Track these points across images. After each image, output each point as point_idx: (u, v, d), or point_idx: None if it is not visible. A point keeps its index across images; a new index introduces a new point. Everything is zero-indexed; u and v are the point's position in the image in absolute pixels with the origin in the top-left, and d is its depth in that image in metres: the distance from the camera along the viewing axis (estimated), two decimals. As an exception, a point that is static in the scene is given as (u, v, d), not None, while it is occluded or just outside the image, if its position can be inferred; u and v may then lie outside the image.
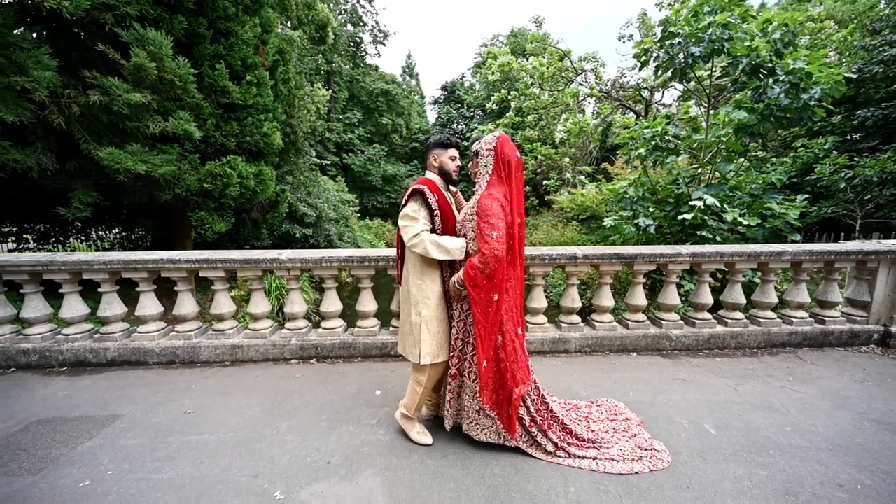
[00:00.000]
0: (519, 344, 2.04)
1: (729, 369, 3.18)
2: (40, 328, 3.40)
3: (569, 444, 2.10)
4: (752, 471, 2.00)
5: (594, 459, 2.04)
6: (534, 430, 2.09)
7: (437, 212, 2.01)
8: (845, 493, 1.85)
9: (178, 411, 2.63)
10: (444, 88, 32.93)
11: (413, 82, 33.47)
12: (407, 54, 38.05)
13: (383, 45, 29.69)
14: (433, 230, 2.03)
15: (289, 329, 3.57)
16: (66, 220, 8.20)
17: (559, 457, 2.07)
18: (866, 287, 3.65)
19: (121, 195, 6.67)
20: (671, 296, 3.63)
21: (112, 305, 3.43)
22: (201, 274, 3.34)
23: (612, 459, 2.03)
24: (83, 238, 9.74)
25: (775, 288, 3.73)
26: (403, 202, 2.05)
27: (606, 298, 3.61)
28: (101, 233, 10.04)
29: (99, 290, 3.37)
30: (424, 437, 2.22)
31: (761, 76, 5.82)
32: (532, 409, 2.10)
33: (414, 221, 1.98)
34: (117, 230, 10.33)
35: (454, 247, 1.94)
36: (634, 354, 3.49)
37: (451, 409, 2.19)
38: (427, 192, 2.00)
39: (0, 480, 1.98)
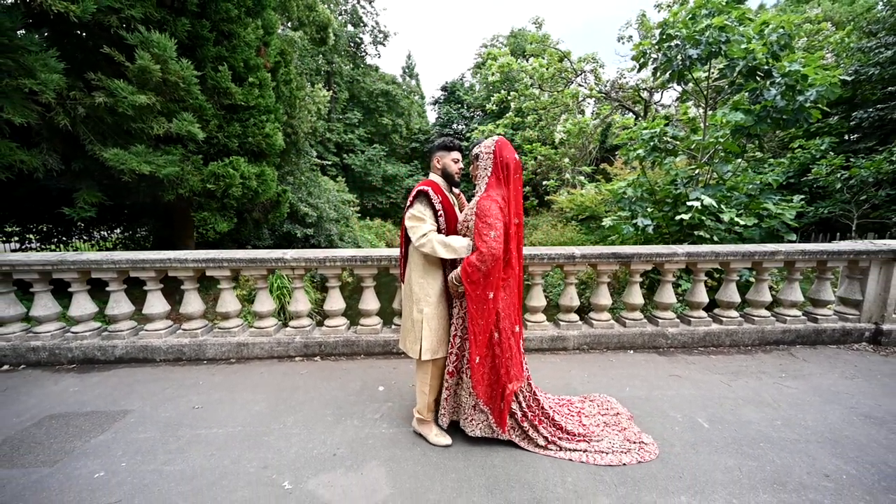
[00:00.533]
0: (515, 341, 2.11)
1: (723, 366, 3.25)
2: (50, 326, 3.47)
3: (559, 438, 2.18)
4: (742, 462, 2.08)
5: (584, 452, 2.12)
6: (525, 424, 2.17)
7: (441, 212, 2.09)
8: (831, 482, 1.93)
9: (186, 406, 2.70)
10: (444, 89, 33.03)
11: (413, 82, 33.57)
12: (407, 55, 38.19)
13: (383, 45, 29.78)
14: (438, 230, 2.11)
15: (293, 327, 3.64)
16: (70, 220, 8.27)
17: (550, 450, 2.15)
18: (858, 286, 3.72)
19: (125, 195, 6.74)
20: (667, 294, 3.71)
21: (120, 304, 3.50)
22: (208, 273, 3.42)
23: (602, 452, 2.12)
24: (86, 238, 9.81)
25: (770, 287, 3.81)
26: (409, 203, 2.12)
27: (604, 297, 3.69)
28: (103, 233, 10.10)
29: (107, 288, 3.44)
30: (443, 438, 2.26)
31: (758, 78, 5.90)
32: (524, 404, 2.18)
33: (421, 222, 2.05)
34: (119, 230, 10.40)
35: (461, 245, 2.02)
36: (631, 352, 3.57)
37: (448, 405, 2.25)
38: (431, 193, 2.07)
39: (17, 472, 2.06)
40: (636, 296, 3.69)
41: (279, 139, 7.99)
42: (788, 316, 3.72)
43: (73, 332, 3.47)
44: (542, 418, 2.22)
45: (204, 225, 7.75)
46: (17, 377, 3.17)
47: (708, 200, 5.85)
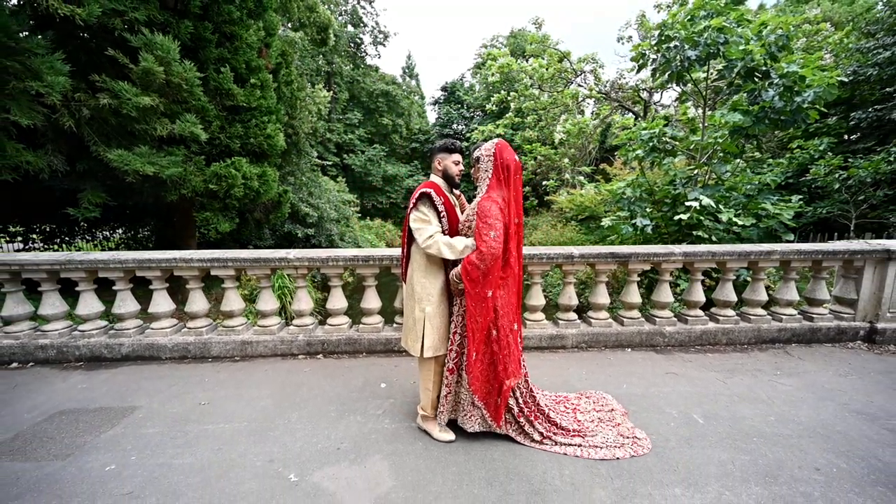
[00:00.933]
0: (513, 339, 2.16)
1: (719, 364, 3.31)
2: (57, 324, 3.54)
3: (554, 433, 2.24)
4: (735, 456, 2.13)
5: (579, 446, 2.19)
6: (521, 419, 2.23)
7: (444, 213, 2.15)
8: (821, 475, 1.98)
9: (192, 403, 2.76)
10: (444, 89, 33.08)
11: (413, 83, 33.65)
12: (407, 55, 38.21)
13: (383, 45, 29.85)
14: (441, 231, 2.16)
15: (296, 325, 3.70)
16: (73, 221, 8.33)
17: (545, 445, 2.21)
18: (853, 285, 3.78)
19: (128, 196, 6.80)
20: (665, 294, 3.76)
21: (126, 303, 3.56)
22: (212, 272, 3.48)
23: (596, 446, 2.18)
24: (89, 238, 9.88)
25: (767, 286, 3.87)
26: (412, 204, 2.17)
27: (602, 296, 3.74)
28: (105, 233, 10.17)
29: (114, 287, 3.50)
30: (447, 434, 2.31)
31: (756, 79, 5.95)
32: (521, 400, 2.23)
33: (426, 224, 2.11)
34: (122, 230, 10.47)
35: (464, 246, 2.08)
36: (629, 350, 3.63)
37: (448, 403, 2.28)
38: (433, 195, 2.13)
39: (31, 465, 2.12)
40: (634, 295, 3.75)
41: (280, 140, 8.04)
42: (784, 315, 3.78)
43: (80, 331, 3.53)
44: (538, 414, 2.28)
45: (206, 225, 7.82)
46: (27, 374, 3.23)
47: (706, 201, 5.89)
